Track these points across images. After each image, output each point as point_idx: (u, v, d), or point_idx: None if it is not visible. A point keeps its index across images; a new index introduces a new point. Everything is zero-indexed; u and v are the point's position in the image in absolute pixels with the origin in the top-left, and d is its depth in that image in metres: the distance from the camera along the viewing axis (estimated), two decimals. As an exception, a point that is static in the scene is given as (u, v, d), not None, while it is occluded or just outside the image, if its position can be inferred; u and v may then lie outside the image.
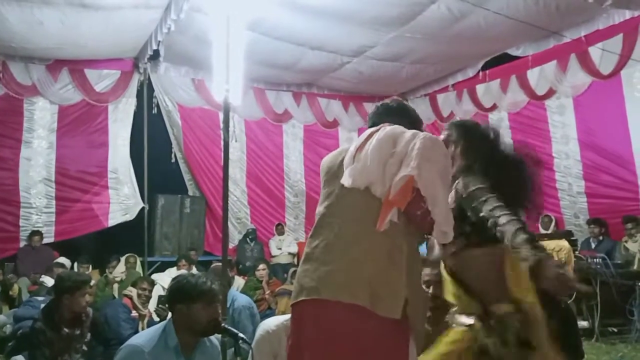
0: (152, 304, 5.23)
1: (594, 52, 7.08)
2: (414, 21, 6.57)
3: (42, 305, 4.62)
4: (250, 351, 2.68)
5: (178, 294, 2.53)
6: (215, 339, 2.75)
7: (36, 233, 7.83)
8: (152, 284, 5.20)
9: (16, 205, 8.02)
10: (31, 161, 8.17)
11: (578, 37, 6.94)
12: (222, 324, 2.55)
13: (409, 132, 2.04)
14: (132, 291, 4.98)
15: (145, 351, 2.40)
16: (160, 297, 5.27)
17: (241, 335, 2.47)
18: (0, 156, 7.99)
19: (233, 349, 3.34)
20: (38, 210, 8.16)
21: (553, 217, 7.81)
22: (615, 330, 5.86)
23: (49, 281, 5.96)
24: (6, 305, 6.62)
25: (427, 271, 2.70)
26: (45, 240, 7.99)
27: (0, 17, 6.44)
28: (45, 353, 3.74)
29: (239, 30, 4.73)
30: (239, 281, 6.79)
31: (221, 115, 4.88)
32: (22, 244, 7.93)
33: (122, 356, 2.46)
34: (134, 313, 4.82)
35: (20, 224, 8.03)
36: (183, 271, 6.97)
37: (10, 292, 6.79)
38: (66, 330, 3.83)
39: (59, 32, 6.92)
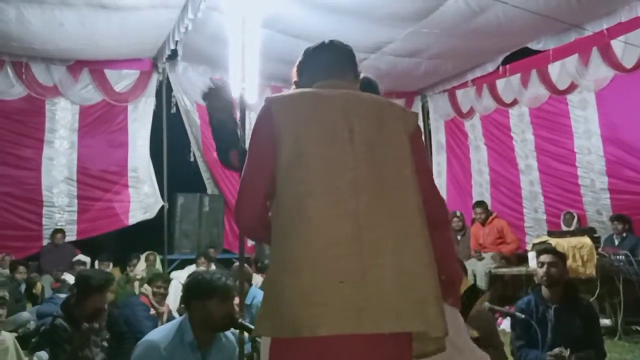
0: (172, 302, 5.27)
1: (617, 45, 6.92)
2: (432, 16, 6.51)
3: (62, 302, 4.70)
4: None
5: (193, 290, 2.55)
6: (232, 334, 2.75)
7: (59, 231, 7.94)
8: (168, 281, 5.23)
9: (39, 204, 8.14)
10: (53, 161, 8.29)
11: (600, 30, 6.79)
12: (239, 320, 2.55)
13: None
14: (148, 289, 5.02)
15: (161, 347, 2.42)
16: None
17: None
18: (23, 156, 8.12)
19: (250, 344, 3.33)
20: (60, 209, 8.28)
21: (575, 214, 7.66)
22: (639, 328, 5.74)
23: (70, 279, 6.04)
24: (30, 303, 6.75)
25: None
26: (67, 239, 8.11)
27: (22, 19, 6.55)
28: (66, 349, 3.76)
29: (255, 28, 4.75)
30: (257, 278, 6.81)
31: (238, 114, 4.87)
32: (45, 242, 8.05)
33: (138, 352, 2.48)
34: (152, 311, 4.86)
35: (43, 223, 8.15)
36: (202, 269, 7.02)
37: (34, 290, 6.92)
38: (86, 324, 3.87)
39: (79, 33, 7.01)
